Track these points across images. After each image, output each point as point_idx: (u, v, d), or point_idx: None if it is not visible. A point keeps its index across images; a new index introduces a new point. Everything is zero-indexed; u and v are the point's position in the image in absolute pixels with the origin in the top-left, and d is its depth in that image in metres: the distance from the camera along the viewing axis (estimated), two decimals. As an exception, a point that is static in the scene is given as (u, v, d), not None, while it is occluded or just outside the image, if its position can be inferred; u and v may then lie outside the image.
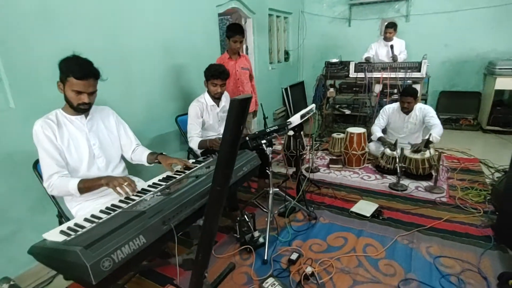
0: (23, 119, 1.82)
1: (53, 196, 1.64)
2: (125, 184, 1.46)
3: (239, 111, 1.01)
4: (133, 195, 1.46)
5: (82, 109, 1.56)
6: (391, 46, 4.22)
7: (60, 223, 1.69)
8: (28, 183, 1.82)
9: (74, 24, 2.09)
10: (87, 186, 1.51)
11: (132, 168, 2.03)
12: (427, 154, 2.95)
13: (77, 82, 1.46)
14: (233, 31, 2.89)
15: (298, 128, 2.40)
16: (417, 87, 3.94)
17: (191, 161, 1.87)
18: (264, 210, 2.54)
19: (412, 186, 2.91)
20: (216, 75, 2.39)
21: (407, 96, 3.12)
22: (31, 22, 1.87)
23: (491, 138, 4.28)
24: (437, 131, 3.03)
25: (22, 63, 1.85)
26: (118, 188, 1.45)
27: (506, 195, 2.05)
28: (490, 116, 4.42)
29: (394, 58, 4.17)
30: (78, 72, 1.45)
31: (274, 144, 3.92)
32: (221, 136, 2.38)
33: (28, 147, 1.63)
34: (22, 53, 1.84)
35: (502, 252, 1.96)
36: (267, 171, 2.21)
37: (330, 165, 3.50)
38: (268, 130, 2.11)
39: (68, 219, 1.62)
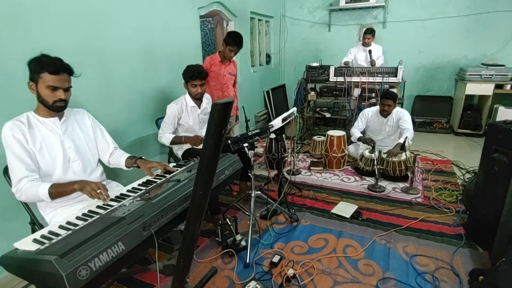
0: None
1: (25, 202, 1.57)
2: (98, 191, 1.40)
3: (221, 115, 1.02)
4: (110, 200, 1.42)
5: (58, 107, 1.49)
6: (369, 51, 4.36)
7: (33, 230, 1.62)
8: (-3, 189, 1.74)
9: (47, 23, 2.01)
10: (58, 191, 1.43)
11: (111, 172, 1.98)
12: (403, 156, 3.06)
13: (51, 77, 1.41)
14: (233, 41, 2.88)
15: (280, 131, 2.43)
16: (394, 91, 4.09)
17: (171, 164, 1.84)
18: (246, 213, 2.54)
19: (390, 188, 3.01)
20: (195, 75, 2.38)
21: (387, 99, 3.22)
22: (1, 21, 1.78)
23: (462, 141, 4.50)
24: (407, 135, 3.14)
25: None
26: (93, 194, 1.39)
27: (475, 195, 2.16)
28: (461, 119, 4.64)
29: (372, 62, 4.31)
30: (52, 66, 1.41)
31: (256, 147, 3.95)
32: (198, 135, 2.37)
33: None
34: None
35: (473, 249, 2.06)
36: (249, 174, 2.21)
37: (311, 168, 3.56)
38: (250, 134, 2.12)
39: (41, 227, 1.55)
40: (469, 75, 4.44)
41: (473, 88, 4.46)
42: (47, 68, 1.40)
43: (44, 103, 1.47)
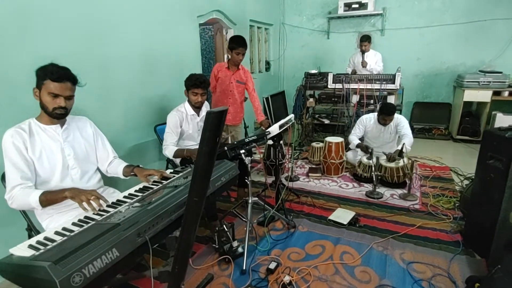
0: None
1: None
2: (92, 198, 1.38)
3: (215, 123, 1.03)
4: (104, 207, 1.42)
5: (57, 114, 1.51)
6: (362, 52, 4.45)
7: (30, 236, 1.63)
8: (-4, 195, 1.75)
9: (50, 32, 2.05)
10: (49, 198, 1.43)
11: (109, 179, 1.99)
12: (401, 162, 3.07)
13: (54, 84, 1.45)
14: (236, 43, 2.91)
15: (277, 137, 2.44)
16: (392, 98, 4.12)
17: (169, 171, 1.86)
18: (244, 219, 2.54)
19: (388, 194, 3.01)
20: (197, 84, 2.40)
21: (391, 115, 3.23)
22: (6, 29, 1.82)
23: (461, 147, 4.51)
24: (407, 141, 3.16)
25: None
26: (84, 204, 1.36)
27: (472, 202, 2.17)
28: (460, 126, 4.66)
29: (363, 64, 4.39)
30: (55, 74, 1.45)
31: (255, 153, 3.96)
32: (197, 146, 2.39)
33: (-2, 158, 1.57)
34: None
35: (470, 256, 2.05)
36: (246, 180, 2.22)
37: (310, 174, 3.56)
38: (246, 140, 2.13)
39: (38, 233, 1.56)
40: (467, 82, 4.47)
41: (471, 95, 4.48)
42: (50, 75, 1.44)
43: (45, 109, 1.50)
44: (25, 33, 1.92)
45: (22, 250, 1.10)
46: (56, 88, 1.45)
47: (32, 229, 1.62)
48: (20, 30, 1.90)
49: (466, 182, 3.19)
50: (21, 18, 1.89)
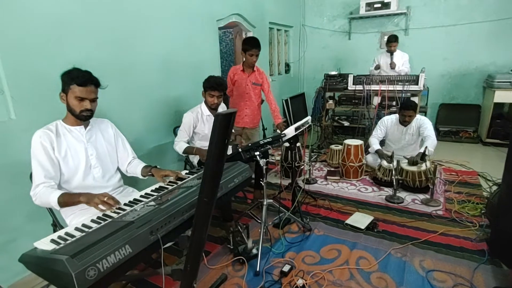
0: (23, 130, 1.88)
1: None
2: (105, 198, 1.46)
3: (224, 125, 1.06)
4: (117, 208, 1.47)
5: (84, 116, 1.62)
6: (391, 53, 4.34)
7: (55, 231, 1.72)
8: (27, 192, 1.86)
9: (79, 39, 2.19)
10: (66, 200, 1.51)
11: (128, 179, 2.07)
12: (423, 166, 2.95)
13: (79, 89, 1.54)
14: (249, 45, 2.90)
15: (294, 140, 2.43)
16: (415, 99, 3.97)
17: (184, 172, 1.90)
18: (258, 221, 2.55)
19: (409, 199, 2.91)
20: (214, 86, 2.45)
21: (409, 110, 3.14)
22: (38, 37, 1.96)
23: (491, 151, 4.27)
24: (429, 142, 3.04)
25: (25, 75, 1.92)
26: (100, 206, 1.44)
27: (499, 208, 2.04)
28: (490, 128, 4.42)
29: (392, 65, 4.26)
30: (81, 78, 1.54)
31: (273, 155, 3.95)
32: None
33: (27, 157, 1.68)
34: (26, 65, 1.92)
35: (496, 266, 1.95)
36: (261, 182, 2.23)
37: (328, 177, 3.51)
38: (261, 142, 2.14)
39: (62, 228, 1.64)
40: (498, 82, 4.24)
41: (502, 96, 4.24)
42: (76, 80, 1.54)
43: (72, 112, 1.61)
44: (55, 40, 2.05)
45: (45, 244, 1.18)
46: (81, 92, 1.55)
47: (57, 225, 1.72)
48: (55, 37, 2.04)
49: (495, 188, 3.02)
50: (55, 26, 2.04)
